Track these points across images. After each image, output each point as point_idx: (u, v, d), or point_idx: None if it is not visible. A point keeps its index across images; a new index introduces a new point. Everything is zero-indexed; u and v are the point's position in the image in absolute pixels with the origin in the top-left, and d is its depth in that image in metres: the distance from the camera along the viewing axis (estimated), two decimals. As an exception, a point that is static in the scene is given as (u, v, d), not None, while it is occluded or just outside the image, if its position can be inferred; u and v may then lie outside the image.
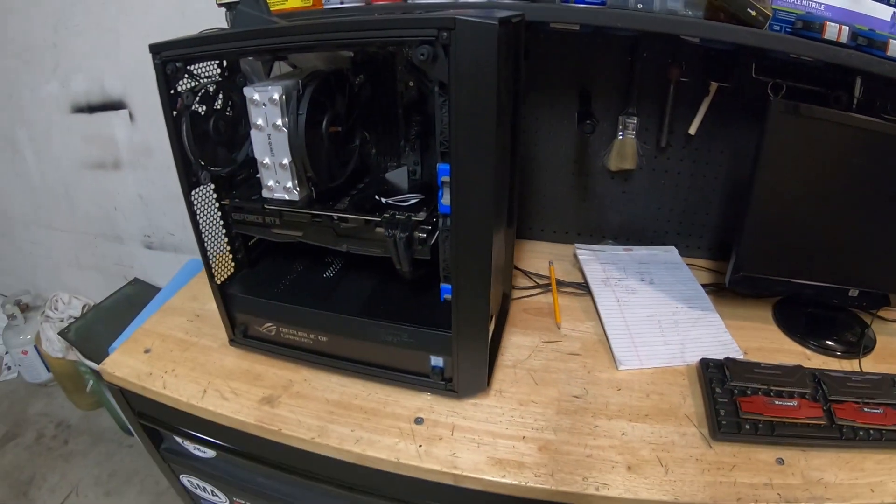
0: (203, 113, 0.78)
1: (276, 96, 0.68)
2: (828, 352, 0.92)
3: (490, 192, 0.61)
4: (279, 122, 0.70)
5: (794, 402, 0.76)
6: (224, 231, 0.89)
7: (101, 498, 1.65)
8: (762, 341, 0.94)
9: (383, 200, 0.78)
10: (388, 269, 0.78)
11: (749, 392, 0.78)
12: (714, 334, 0.94)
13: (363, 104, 0.83)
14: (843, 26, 0.77)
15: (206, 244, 0.85)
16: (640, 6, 0.84)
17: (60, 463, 1.77)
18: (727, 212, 1.14)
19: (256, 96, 0.70)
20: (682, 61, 1.01)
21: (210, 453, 0.95)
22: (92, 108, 1.58)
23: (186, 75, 0.75)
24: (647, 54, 1.02)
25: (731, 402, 0.77)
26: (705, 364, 0.84)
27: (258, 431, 0.79)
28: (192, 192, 0.80)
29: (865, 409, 0.76)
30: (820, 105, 0.83)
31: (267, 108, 0.70)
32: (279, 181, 0.74)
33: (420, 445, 0.74)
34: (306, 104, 0.69)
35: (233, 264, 0.93)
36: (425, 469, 0.71)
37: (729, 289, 0.98)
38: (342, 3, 0.90)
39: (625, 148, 1.09)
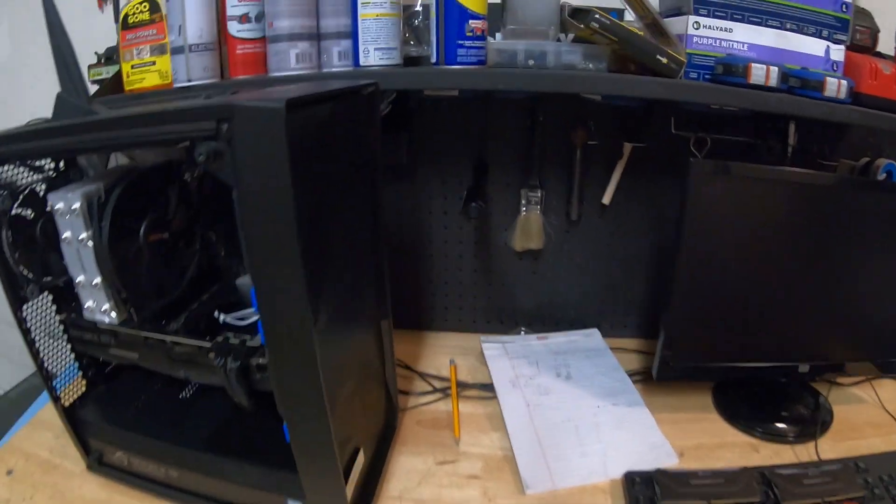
0: (31, 216, 0.72)
1: (76, 205, 0.61)
2: (779, 438, 0.85)
3: (303, 308, 0.53)
4: (83, 235, 0.63)
5: (741, 520, 0.68)
6: (69, 346, 0.81)
7: None
8: (701, 435, 0.87)
9: (222, 318, 0.71)
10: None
11: None
12: (643, 435, 0.86)
13: (204, 200, 0.77)
14: (772, 67, 0.72)
15: (47, 362, 0.78)
16: (531, 62, 0.80)
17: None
18: (656, 283, 1.08)
19: (60, 205, 0.62)
20: (590, 122, 0.96)
21: None
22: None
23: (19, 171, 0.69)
24: (544, 118, 0.97)
25: (662, 526, 0.68)
26: (630, 479, 0.75)
27: None
28: (24, 307, 0.73)
29: (826, 511, 0.68)
30: (751, 157, 0.81)
31: (70, 219, 0.63)
32: (96, 301, 0.67)
33: None
34: (110, 212, 0.62)
35: (83, 382, 0.85)
36: None
37: (657, 380, 0.91)
38: (190, 80, 0.84)
39: (529, 225, 1.03)
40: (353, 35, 0.80)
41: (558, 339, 1.09)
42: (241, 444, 0.73)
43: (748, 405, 0.91)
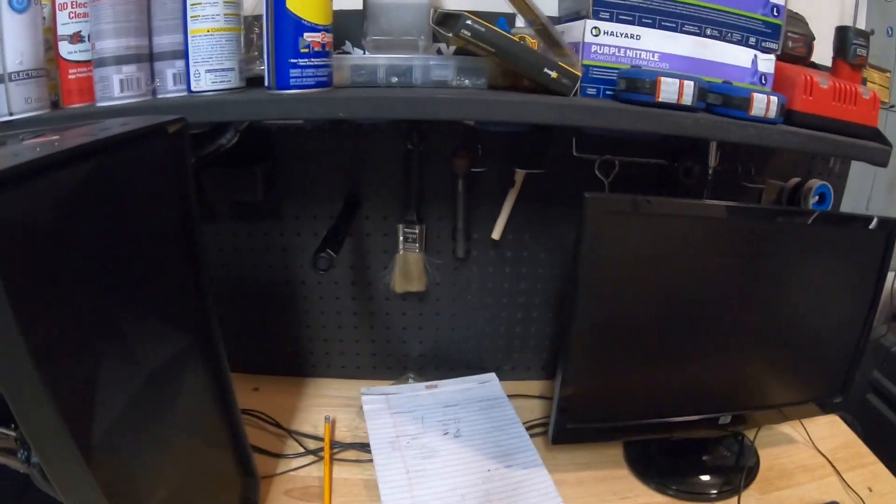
0: None
1: None
2: (698, 496, 0.80)
3: (60, 434, 0.42)
4: None
5: None
6: None
7: None
8: (610, 497, 0.81)
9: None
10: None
11: None
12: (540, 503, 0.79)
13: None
14: (686, 82, 0.64)
15: None
16: (394, 80, 0.71)
17: None
18: (559, 319, 1.03)
19: None
20: (475, 147, 0.88)
21: None
22: None
23: None
24: (420, 143, 0.89)
25: None
26: None
27: None
28: None
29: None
30: (665, 181, 0.75)
31: None
32: None
33: None
34: None
35: None
36: None
37: (554, 443, 0.84)
38: (11, 114, 0.69)
39: (408, 266, 0.95)
40: (185, 55, 0.69)
41: (449, 387, 1.02)
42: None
43: (663, 457, 0.86)
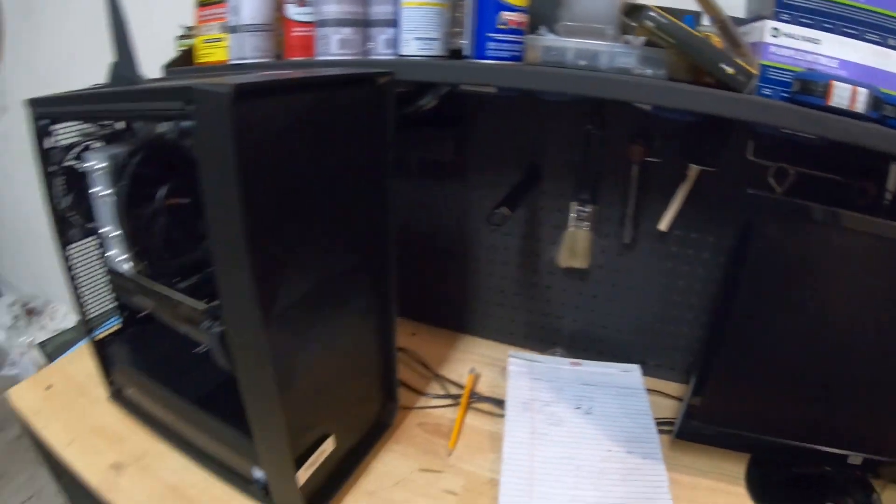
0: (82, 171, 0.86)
1: (103, 164, 0.73)
2: None
3: (251, 298, 0.59)
4: (107, 192, 0.75)
5: None
6: (108, 288, 0.96)
7: None
8: None
9: (227, 285, 0.80)
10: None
11: None
12: (649, 495, 0.82)
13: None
14: (860, 89, 0.62)
15: (85, 299, 0.93)
16: (581, 62, 0.78)
17: (32, 465, 2.00)
18: (706, 331, 1.00)
19: (91, 163, 0.74)
20: (653, 137, 0.92)
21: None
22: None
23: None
24: (595, 126, 0.94)
25: None
26: None
27: (95, 493, 0.85)
28: (69, 247, 0.89)
29: None
30: (839, 199, 0.71)
31: (99, 176, 0.74)
32: (116, 251, 0.79)
33: None
34: (128, 175, 0.73)
35: (119, 321, 1.00)
36: None
37: (677, 438, 0.88)
38: (243, 58, 0.94)
39: (576, 242, 1.02)
40: (396, 24, 0.84)
41: (592, 368, 1.08)
42: (226, 407, 0.80)
43: (784, 488, 0.85)
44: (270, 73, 0.66)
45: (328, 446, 0.79)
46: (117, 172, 0.74)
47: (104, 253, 0.88)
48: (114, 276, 0.89)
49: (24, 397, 1.04)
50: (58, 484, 1.14)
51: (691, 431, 0.86)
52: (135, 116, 0.77)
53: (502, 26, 0.77)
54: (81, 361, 1.13)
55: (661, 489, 0.84)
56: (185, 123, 0.57)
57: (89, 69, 1.74)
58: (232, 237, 0.56)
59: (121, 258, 0.79)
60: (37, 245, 2.47)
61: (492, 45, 0.78)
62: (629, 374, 1.06)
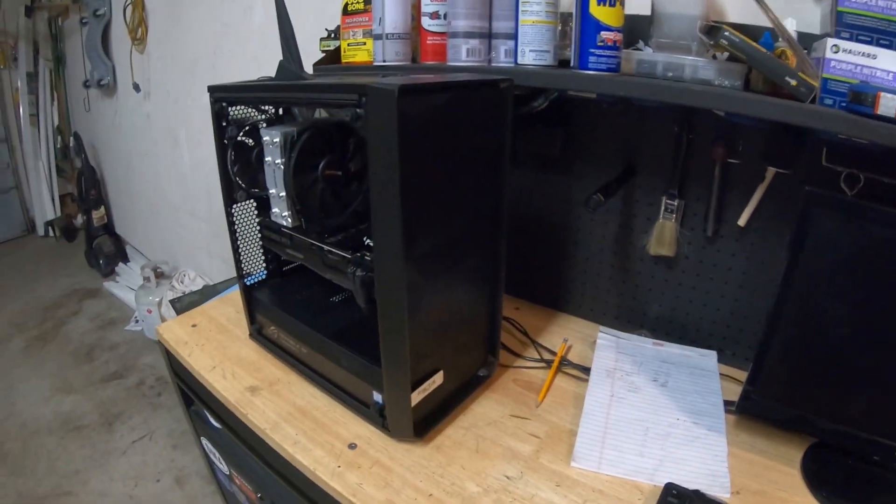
0: (251, 145, 1.11)
1: (276, 139, 0.96)
2: None
3: (397, 240, 0.80)
4: (279, 160, 0.98)
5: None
6: (261, 244, 1.21)
7: (168, 448, 2.17)
8: (769, 485, 0.90)
9: (366, 241, 1.02)
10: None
11: None
12: (707, 460, 0.93)
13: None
14: None
15: (241, 250, 1.18)
16: (669, 74, 0.93)
17: (148, 410, 2.35)
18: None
19: (267, 137, 0.98)
20: (736, 140, 1.05)
21: (217, 425, 1.27)
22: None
23: (250, 111, 1.09)
24: (684, 129, 1.08)
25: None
26: (668, 490, 0.84)
27: (234, 410, 1.08)
28: (233, 207, 1.14)
29: None
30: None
31: (272, 148, 0.98)
32: (280, 209, 1.03)
33: (339, 466, 0.93)
34: (297, 149, 0.95)
35: (265, 272, 1.25)
36: (331, 487, 0.91)
37: (737, 412, 1.00)
38: (384, 61, 1.16)
39: (663, 232, 1.16)
40: (515, 37, 1.03)
41: (673, 349, 1.22)
42: (356, 341, 1.03)
43: (840, 476, 0.90)
44: (414, 76, 0.88)
45: (438, 379, 0.98)
46: (287, 146, 0.97)
47: (267, 211, 1.12)
48: (270, 231, 1.13)
49: (172, 330, 1.31)
50: (186, 412, 1.40)
51: (750, 403, 0.96)
52: (312, 104, 1.01)
53: (601, 43, 0.94)
54: (222, 307, 1.41)
55: (719, 457, 0.94)
56: (359, 111, 0.79)
57: (229, 65, 2.05)
58: (390, 197, 0.78)
59: (284, 214, 1.02)
60: (168, 217, 2.84)
61: (592, 58, 0.95)
62: (706, 359, 1.19)
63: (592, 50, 0.94)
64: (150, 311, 2.57)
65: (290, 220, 1.02)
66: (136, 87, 2.65)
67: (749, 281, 1.15)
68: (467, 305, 1.04)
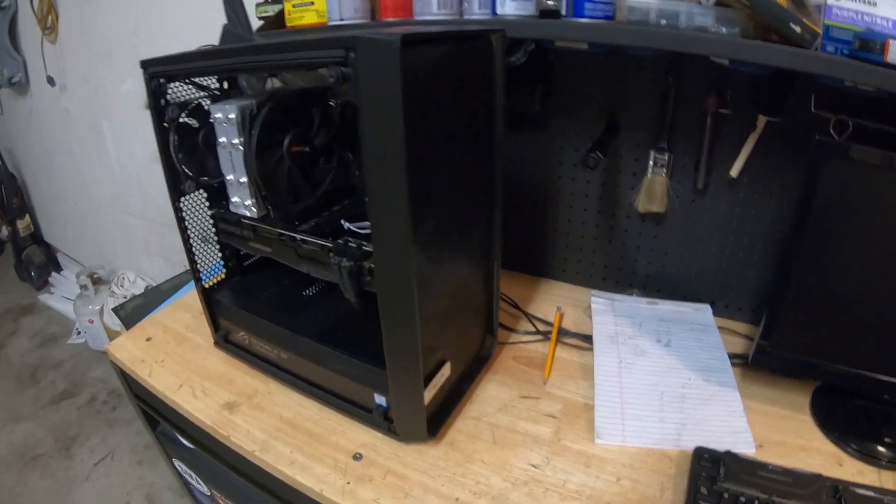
0: (196, 126, 0.89)
1: (232, 115, 0.75)
2: (868, 458, 0.80)
3: (404, 221, 0.62)
4: (236, 140, 0.77)
5: (796, 523, 0.66)
6: (216, 239, 0.99)
7: (134, 465, 1.91)
8: (787, 434, 0.84)
9: (346, 226, 0.83)
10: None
11: (742, 500, 0.69)
12: (726, 418, 0.87)
13: (346, 124, 0.89)
14: None
15: (196, 250, 0.96)
16: (663, 22, 0.81)
17: (105, 427, 2.07)
18: (774, 270, 1.04)
19: (219, 114, 0.77)
20: (725, 90, 0.94)
21: (190, 445, 1.06)
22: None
23: (189, 88, 0.87)
24: (673, 80, 0.97)
25: (716, 507, 0.69)
26: (699, 454, 0.77)
27: (212, 433, 0.88)
28: (182, 199, 0.91)
29: (889, 544, 0.65)
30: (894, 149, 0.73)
31: (226, 127, 0.77)
32: (240, 198, 0.82)
33: (348, 482, 0.77)
34: (259, 124, 0.75)
35: (224, 271, 1.03)
36: None
37: (752, 365, 0.91)
38: (342, 19, 0.96)
39: (654, 187, 1.04)
40: None
41: (667, 306, 1.11)
42: (346, 340, 0.85)
43: (847, 417, 0.87)
44: (405, 28, 0.69)
45: (446, 371, 0.82)
46: (246, 123, 0.77)
47: (220, 201, 0.92)
48: (227, 224, 0.92)
49: (124, 348, 1.07)
50: (152, 434, 1.18)
51: (764, 359, 0.88)
52: (277, 67, 0.79)
53: None
54: (177, 314, 1.17)
55: (737, 413, 0.88)
56: (345, 70, 0.60)
57: (151, 44, 1.77)
58: (393, 170, 0.60)
59: (247, 203, 0.82)
60: (99, 218, 2.52)
61: (588, 5, 0.81)
62: (701, 313, 1.09)
63: (588, -4, 0.80)
64: (91, 322, 2.27)
65: (254, 209, 0.82)
66: (51, 81, 2.29)
67: (739, 233, 1.06)
68: (468, 285, 0.88)
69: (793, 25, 0.72)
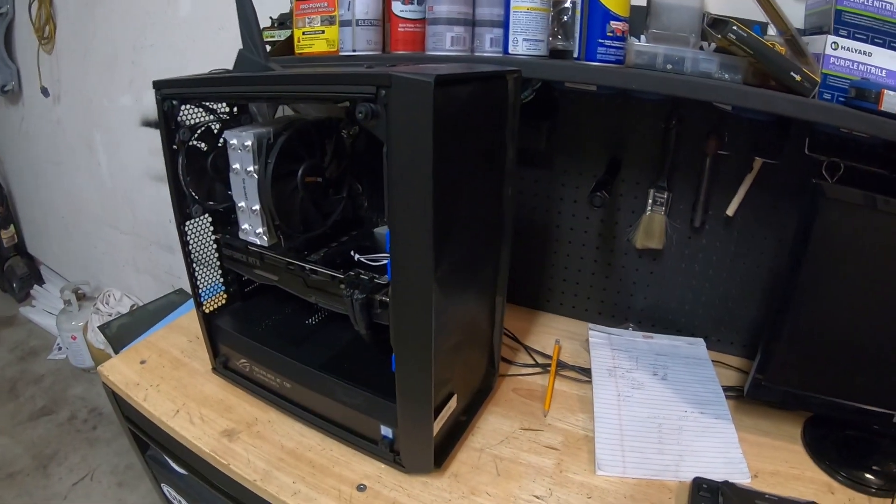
0: (205, 149, 0.87)
1: (248, 143, 0.73)
2: (859, 485, 0.81)
3: (427, 258, 0.61)
4: (251, 168, 0.75)
5: (793, 549, 0.67)
6: (218, 263, 0.96)
7: (113, 487, 1.82)
8: (781, 464, 0.85)
9: (356, 257, 0.82)
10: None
11: None
12: (722, 449, 0.87)
13: (356, 155, 0.88)
14: None
15: (197, 274, 0.93)
16: (669, 67, 0.82)
17: (84, 446, 1.97)
18: (767, 306, 1.06)
19: (234, 141, 0.75)
20: (724, 132, 0.96)
21: (182, 471, 1.02)
22: (158, 124, 1.83)
23: (197, 111, 0.85)
24: (673, 122, 0.98)
25: (716, 537, 0.69)
26: (698, 485, 0.76)
27: (210, 461, 0.85)
28: (186, 223, 0.88)
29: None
30: (884, 190, 0.75)
31: (241, 154, 0.75)
32: (251, 225, 0.80)
33: None
34: (276, 153, 0.73)
35: (224, 296, 1.00)
36: None
37: (747, 397, 0.91)
38: (354, 50, 0.95)
39: (652, 224, 1.05)
40: (505, 25, 0.86)
41: (663, 341, 1.11)
42: (352, 371, 0.83)
43: (837, 446, 0.88)
44: (435, 67, 0.69)
45: (453, 403, 0.80)
46: (262, 151, 0.75)
47: (224, 226, 0.90)
48: (233, 250, 0.90)
49: (118, 371, 1.02)
50: (141, 458, 1.14)
51: (759, 392, 0.89)
52: (300, 99, 0.78)
53: (610, 34, 0.81)
54: (172, 337, 1.13)
55: (732, 444, 0.88)
56: (373, 106, 0.59)
57: (151, 60, 1.74)
58: (419, 207, 0.59)
59: (259, 231, 0.80)
60: (86, 231, 2.44)
61: (601, 49, 0.82)
62: (695, 347, 1.10)
63: (601, 40, 0.81)
64: (74, 338, 2.18)
65: (265, 237, 0.80)
66: (45, 92, 2.22)
67: (734, 270, 1.07)
68: (475, 319, 0.86)
69: (793, 74, 0.74)
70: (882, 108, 0.68)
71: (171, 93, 0.79)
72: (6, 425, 2.05)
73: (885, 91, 0.68)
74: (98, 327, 1.87)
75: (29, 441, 1.98)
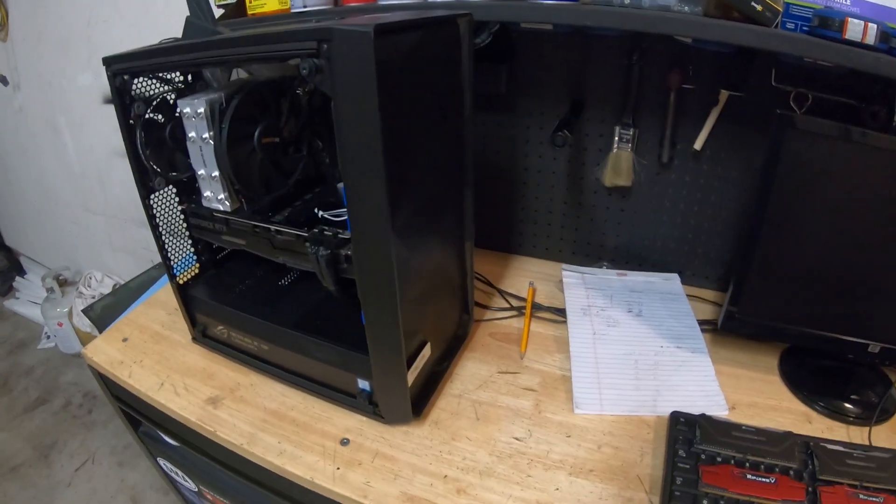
0: (162, 121, 0.86)
1: (200, 110, 0.73)
2: (836, 415, 0.83)
3: (383, 210, 0.62)
4: (206, 135, 0.75)
5: (770, 479, 0.68)
6: (188, 233, 0.97)
7: (115, 467, 1.87)
8: (758, 395, 0.88)
9: (320, 214, 0.83)
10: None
11: (719, 459, 0.72)
12: (699, 382, 0.89)
13: (314, 112, 0.88)
14: (871, 24, 0.68)
15: (167, 245, 0.94)
16: (626, 1, 0.81)
17: (82, 431, 2.02)
18: (739, 238, 1.07)
19: (187, 109, 0.75)
20: (687, 66, 0.95)
21: (175, 443, 1.05)
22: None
23: (152, 83, 0.84)
24: (636, 57, 0.97)
25: (693, 469, 0.71)
26: (675, 418, 0.79)
27: (197, 429, 0.87)
28: (151, 197, 0.89)
29: (860, 496, 0.66)
30: (852, 121, 0.75)
31: (195, 121, 0.76)
32: (213, 192, 0.81)
33: (338, 468, 0.77)
34: (229, 117, 0.74)
35: (197, 266, 1.02)
36: (336, 493, 0.75)
37: (721, 330, 0.93)
38: (305, 6, 0.94)
39: (619, 162, 1.05)
40: None
41: (637, 277, 1.13)
42: (325, 327, 0.85)
43: (814, 376, 0.90)
44: (373, 16, 0.68)
45: (426, 352, 0.83)
46: (216, 116, 0.76)
47: (190, 195, 0.90)
48: (199, 218, 0.91)
49: (101, 351, 1.04)
50: (135, 435, 1.16)
51: (734, 321, 0.90)
52: (246, 61, 0.78)
53: None
54: (151, 312, 1.15)
55: (709, 377, 0.91)
56: (317, 61, 0.59)
57: (105, 35, 1.71)
58: (370, 159, 0.60)
59: (220, 197, 0.80)
60: (60, 217, 2.43)
61: None
62: (670, 282, 1.12)
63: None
64: (60, 325, 2.20)
65: (227, 202, 0.81)
66: (4, 81, 2.19)
67: (704, 203, 1.08)
68: (443, 267, 0.88)
69: (754, 4, 0.73)
70: (846, 37, 0.69)
71: (122, 67, 0.79)
72: (3, 420, 2.08)
73: (849, 19, 0.68)
74: (81, 311, 1.88)
75: (27, 433, 2.02)
